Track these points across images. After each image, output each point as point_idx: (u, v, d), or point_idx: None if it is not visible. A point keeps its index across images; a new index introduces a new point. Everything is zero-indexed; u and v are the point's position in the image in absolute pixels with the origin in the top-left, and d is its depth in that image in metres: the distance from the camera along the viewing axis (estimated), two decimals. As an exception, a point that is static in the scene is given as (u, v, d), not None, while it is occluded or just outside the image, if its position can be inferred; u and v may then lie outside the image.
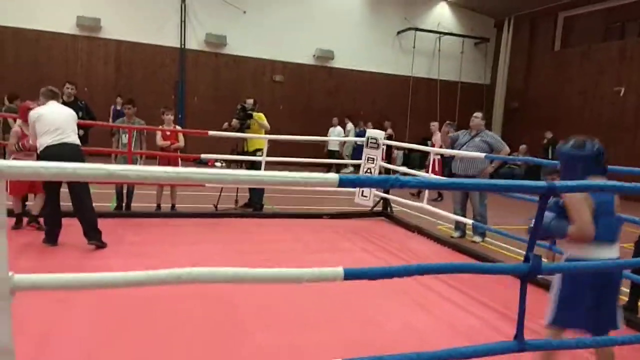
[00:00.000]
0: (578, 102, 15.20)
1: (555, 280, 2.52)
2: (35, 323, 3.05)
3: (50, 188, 4.85)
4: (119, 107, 12.15)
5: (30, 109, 5.20)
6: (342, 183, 1.61)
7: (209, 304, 3.66)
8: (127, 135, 6.62)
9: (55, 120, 4.86)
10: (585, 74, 15.06)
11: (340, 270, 1.69)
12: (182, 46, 14.82)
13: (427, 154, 10.17)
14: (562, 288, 2.45)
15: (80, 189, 4.82)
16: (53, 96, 5.10)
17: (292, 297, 3.90)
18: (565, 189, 1.85)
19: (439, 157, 9.38)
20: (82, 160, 4.84)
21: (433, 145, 9.89)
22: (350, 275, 1.69)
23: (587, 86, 14.92)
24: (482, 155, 5.80)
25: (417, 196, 9.03)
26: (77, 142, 4.99)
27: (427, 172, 8.16)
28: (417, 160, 15.17)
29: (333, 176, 1.60)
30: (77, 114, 5.54)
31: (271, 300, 3.83)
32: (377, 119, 16.19)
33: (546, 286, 4.61)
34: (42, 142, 4.79)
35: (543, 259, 1.89)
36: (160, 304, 3.60)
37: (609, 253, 2.40)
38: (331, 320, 3.57)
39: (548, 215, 2.37)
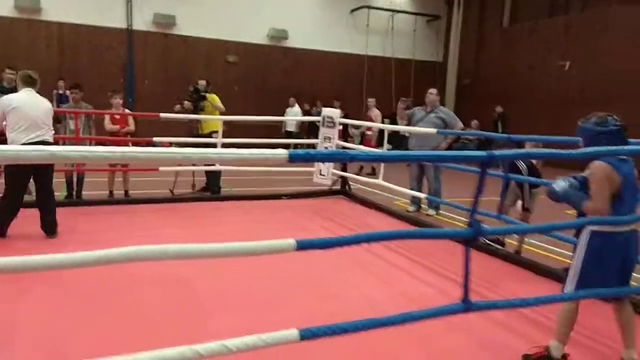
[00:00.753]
0: (526, 78, 15.73)
1: (578, 248, 2.64)
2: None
3: (17, 179, 4.57)
4: (61, 92, 11.64)
5: None
6: (292, 158, 1.62)
7: (167, 288, 3.64)
8: (74, 121, 6.35)
9: (31, 114, 4.45)
10: (532, 50, 15.56)
11: (292, 241, 1.72)
12: (129, 27, 14.27)
13: (383, 131, 10.32)
14: (586, 258, 2.58)
15: (49, 180, 4.71)
16: (31, 83, 4.65)
17: (251, 278, 3.93)
18: (503, 157, 1.94)
19: (371, 132, 10.16)
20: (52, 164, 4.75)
21: (371, 121, 10.34)
22: (302, 245, 1.72)
23: (535, 61, 15.44)
24: (434, 131, 5.94)
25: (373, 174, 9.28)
26: (52, 140, 4.78)
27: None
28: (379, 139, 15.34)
29: (282, 152, 1.61)
30: None
31: (230, 282, 3.84)
32: (334, 98, 16.22)
33: (490, 252, 4.87)
34: (15, 139, 4.41)
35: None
36: (118, 290, 3.55)
37: (626, 225, 2.55)
38: (291, 297, 3.62)
39: (568, 184, 2.56)
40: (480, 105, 16.42)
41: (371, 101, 11.15)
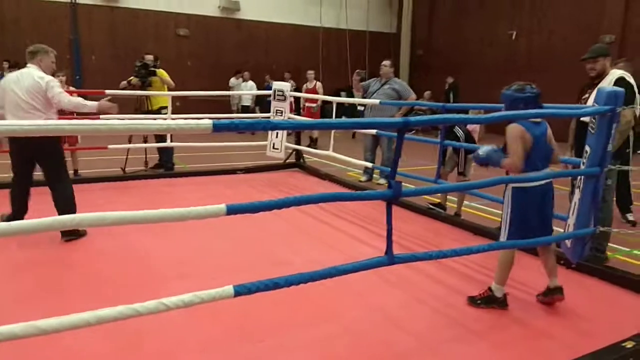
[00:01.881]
0: (476, 48, 16.13)
1: (505, 205, 3.06)
2: None
3: (13, 160, 4.19)
4: (6, 74, 11.17)
5: None
6: (217, 127, 1.74)
7: (122, 262, 3.73)
8: None
9: (10, 95, 3.97)
10: (482, 20, 15.92)
11: (222, 206, 1.86)
12: (73, 1, 13.66)
13: (341, 105, 10.53)
14: (513, 211, 2.99)
15: (52, 166, 4.20)
16: (29, 57, 4.14)
17: (203, 249, 4.07)
18: (417, 123, 2.12)
19: (314, 104, 10.56)
20: (54, 150, 4.16)
21: (314, 93, 10.61)
22: (232, 210, 1.86)
23: (484, 32, 15.83)
24: (377, 102, 6.13)
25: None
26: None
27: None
28: (329, 112, 15.47)
29: (207, 122, 1.73)
30: None
31: (183, 253, 3.97)
32: (290, 71, 16.17)
33: (432, 215, 5.17)
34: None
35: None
36: (73, 263, 3.62)
37: (542, 180, 2.92)
38: (241, 265, 3.77)
39: (491, 148, 2.95)
40: (433, 75, 16.78)
41: (311, 73, 11.35)
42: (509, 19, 15.07)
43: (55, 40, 13.60)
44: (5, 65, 11.47)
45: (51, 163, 4.15)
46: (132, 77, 7.24)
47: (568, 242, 3.28)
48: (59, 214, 3.75)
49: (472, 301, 3.14)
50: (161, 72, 7.27)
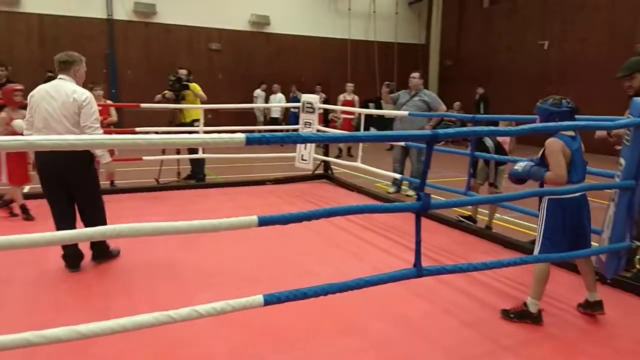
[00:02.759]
0: (506, 58, 15.93)
1: (540, 217, 3.05)
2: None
3: (45, 191, 3.68)
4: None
5: (16, 90, 4.60)
6: (250, 141, 1.80)
7: (151, 271, 3.84)
8: None
9: (45, 109, 3.48)
10: (512, 30, 15.74)
11: (254, 218, 1.91)
12: (110, 17, 14.21)
13: (369, 116, 10.64)
14: (547, 222, 2.99)
15: (85, 196, 3.75)
16: (62, 68, 3.65)
17: (232, 259, 4.15)
18: (446, 136, 2.13)
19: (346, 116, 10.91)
20: (86, 172, 3.71)
21: (352, 105, 11.18)
22: (263, 222, 1.91)
23: (514, 42, 15.63)
24: (405, 113, 6.13)
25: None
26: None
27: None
28: (358, 123, 15.53)
29: (240, 136, 1.79)
30: None
31: (213, 264, 4.05)
32: (318, 84, 16.31)
33: (462, 228, 5.12)
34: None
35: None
36: (107, 274, 3.74)
37: (580, 191, 2.95)
38: (270, 275, 3.82)
39: (528, 163, 2.98)
40: (463, 86, 16.64)
41: (350, 86, 11.77)
42: (540, 29, 14.84)
43: (93, 55, 14.15)
44: (51, 76, 11.92)
45: (86, 186, 3.71)
46: (166, 91, 7.47)
47: (602, 257, 3.20)
48: (93, 247, 3.81)
49: (506, 315, 3.09)
50: (194, 86, 7.47)
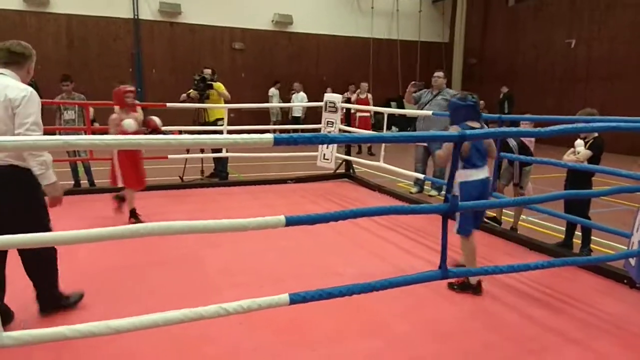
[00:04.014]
0: (532, 56, 15.66)
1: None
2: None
3: None
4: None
5: (127, 92, 4.57)
6: (277, 142, 1.82)
7: (179, 268, 3.90)
8: (68, 112, 6.59)
9: None
10: (538, 28, 15.46)
11: (282, 218, 1.93)
12: (136, 17, 14.46)
13: (391, 115, 10.66)
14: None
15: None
16: (8, 62, 2.84)
17: (257, 258, 4.19)
18: (473, 137, 2.12)
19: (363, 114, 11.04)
20: (23, 201, 2.71)
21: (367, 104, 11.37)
22: (291, 222, 1.93)
23: (541, 40, 15.35)
24: (429, 112, 6.08)
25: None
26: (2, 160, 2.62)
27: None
28: (380, 122, 15.49)
29: (268, 136, 1.81)
30: None
31: (238, 262, 4.10)
32: (341, 82, 16.29)
33: (487, 229, 5.06)
34: None
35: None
36: (134, 269, 3.82)
37: (482, 174, 3.45)
38: (294, 275, 3.84)
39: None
40: (486, 85, 16.41)
41: (365, 85, 12.13)
42: (567, 27, 14.54)
43: (119, 54, 14.49)
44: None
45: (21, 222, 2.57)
46: (191, 90, 7.57)
47: (632, 261, 3.13)
48: (36, 284, 2.88)
49: (451, 287, 3.47)
50: (218, 85, 7.56)
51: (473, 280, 3.39)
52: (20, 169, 2.63)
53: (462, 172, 3.34)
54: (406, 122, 14.29)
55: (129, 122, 4.47)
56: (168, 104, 6.85)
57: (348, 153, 8.02)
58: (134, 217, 5.13)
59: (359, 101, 11.46)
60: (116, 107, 4.94)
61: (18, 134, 2.51)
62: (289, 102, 14.24)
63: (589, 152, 4.10)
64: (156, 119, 4.58)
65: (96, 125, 6.89)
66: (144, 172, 5.13)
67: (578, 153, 4.14)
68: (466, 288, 3.43)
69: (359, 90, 12.01)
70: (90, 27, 14.11)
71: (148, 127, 4.82)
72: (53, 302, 2.93)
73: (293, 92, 14.61)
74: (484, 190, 3.49)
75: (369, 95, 11.94)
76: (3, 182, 2.60)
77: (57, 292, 2.95)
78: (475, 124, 3.38)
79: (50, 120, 7.23)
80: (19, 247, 2.37)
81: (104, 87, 11.81)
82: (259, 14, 15.71)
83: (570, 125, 2.35)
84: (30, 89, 2.69)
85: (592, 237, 4.47)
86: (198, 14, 15.01)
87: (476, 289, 3.42)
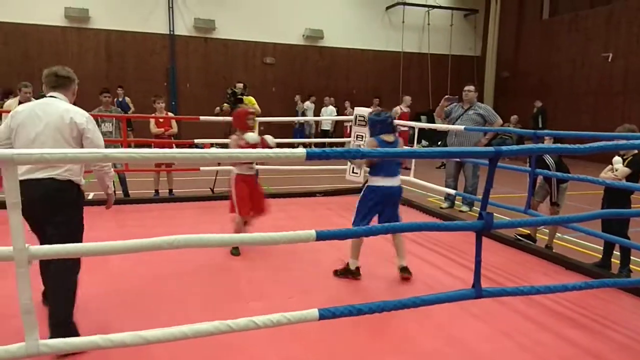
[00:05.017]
0: (567, 70, 15.34)
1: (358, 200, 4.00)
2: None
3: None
4: (121, 99, 12.45)
5: (249, 114, 4.57)
6: (310, 156, 1.83)
7: (208, 279, 3.94)
8: (105, 124, 6.78)
9: (31, 132, 2.74)
10: (573, 42, 15.16)
11: (312, 232, 1.94)
12: (171, 32, 14.89)
13: (421, 129, 10.63)
14: (360, 201, 3.98)
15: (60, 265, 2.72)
16: (56, 86, 2.95)
17: (285, 269, 4.20)
18: (509, 153, 2.08)
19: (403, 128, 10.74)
20: (70, 208, 2.86)
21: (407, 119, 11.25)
22: (321, 236, 1.93)
23: (576, 54, 15.04)
24: (461, 127, 6.01)
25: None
26: (62, 175, 2.76)
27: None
28: (412, 135, 15.39)
29: (301, 150, 1.82)
30: None
31: (267, 273, 4.12)
32: (370, 97, 16.30)
33: (521, 247, 4.94)
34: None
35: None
36: (166, 278, 3.88)
37: (389, 182, 3.87)
38: (321, 287, 3.84)
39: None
40: (519, 99, 16.15)
41: (408, 98, 11.99)
42: (603, 40, 14.20)
43: (155, 69, 14.92)
44: (120, 91, 12.61)
45: (65, 225, 2.80)
46: (224, 104, 7.72)
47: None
48: (53, 309, 2.74)
49: (335, 274, 3.99)
50: (249, 99, 7.68)
51: (353, 265, 3.95)
52: (75, 184, 2.85)
53: (369, 177, 3.92)
54: (437, 137, 14.15)
55: (252, 135, 4.62)
56: (201, 117, 7.00)
57: (377, 167, 7.97)
58: None
59: (402, 115, 11.23)
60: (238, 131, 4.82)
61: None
62: (318, 115, 14.34)
63: (627, 170, 3.97)
64: (269, 139, 4.60)
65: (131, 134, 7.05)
66: (261, 200, 4.98)
67: (616, 170, 4.02)
68: (347, 273, 3.95)
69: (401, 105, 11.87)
70: (128, 42, 14.60)
71: (262, 146, 4.67)
72: (65, 329, 2.65)
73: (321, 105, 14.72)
74: (387, 198, 3.91)
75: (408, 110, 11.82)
76: (61, 195, 2.79)
77: (71, 320, 2.78)
78: (390, 137, 3.85)
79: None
80: (60, 257, 2.24)
81: (140, 100, 12.20)
82: (290, 29, 15.95)
83: (609, 143, 2.28)
84: (86, 113, 2.93)
85: (633, 258, 4.30)
86: (231, 30, 15.35)
87: (354, 273, 3.94)
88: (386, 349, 2.90)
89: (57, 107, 2.81)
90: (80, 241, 2.69)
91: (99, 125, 6.84)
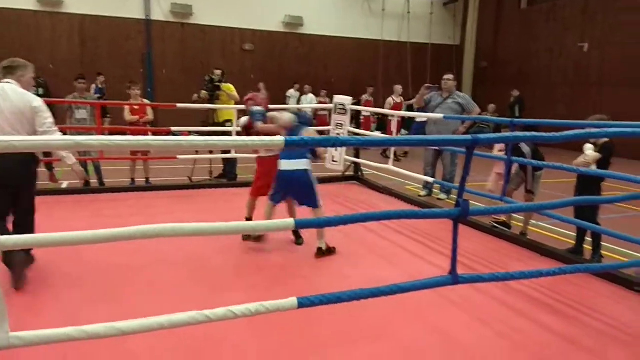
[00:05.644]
0: (545, 60, 15.55)
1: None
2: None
3: None
4: (101, 86, 12.28)
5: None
6: (288, 144, 1.81)
7: (187, 269, 3.90)
8: (80, 111, 6.61)
9: None
10: (551, 32, 15.35)
11: (291, 221, 1.92)
12: (148, 17, 14.55)
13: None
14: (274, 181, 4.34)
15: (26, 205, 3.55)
16: (8, 72, 3.54)
17: (263, 260, 4.17)
18: (486, 141, 2.09)
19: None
20: (27, 178, 3.53)
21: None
22: (300, 224, 1.91)
23: (553, 43, 15.24)
24: (440, 116, 6.04)
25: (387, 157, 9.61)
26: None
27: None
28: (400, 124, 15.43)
29: (279, 138, 1.80)
30: (37, 91, 5.02)
31: (245, 264, 4.09)
32: (349, 85, 16.26)
33: (496, 234, 5.02)
34: None
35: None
36: (140, 268, 3.83)
37: (293, 166, 4.19)
38: (301, 277, 3.83)
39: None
40: (498, 88, 16.32)
41: (398, 88, 11.67)
42: (580, 30, 14.42)
43: (130, 55, 14.59)
44: (101, 78, 12.43)
45: (31, 192, 3.57)
46: (202, 91, 7.60)
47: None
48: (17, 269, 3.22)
49: (246, 238, 4.41)
50: (228, 87, 7.57)
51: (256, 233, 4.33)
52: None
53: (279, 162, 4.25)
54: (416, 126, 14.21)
55: (243, 120, 5.05)
56: (178, 105, 6.88)
57: (357, 156, 7.99)
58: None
59: (395, 106, 11.12)
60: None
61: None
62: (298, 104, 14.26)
63: (597, 155, 4.04)
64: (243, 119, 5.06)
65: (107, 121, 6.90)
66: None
67: (587, 156, 4.09)
68: (247, 238, 4.39)
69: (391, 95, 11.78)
70: (103, 27, 14.22)
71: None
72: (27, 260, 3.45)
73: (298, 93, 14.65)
74: (289, 181, 4.23)
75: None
76: (25, 160, 3.35)
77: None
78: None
79: (62, 119, 7.31)
80: (32, 247, 3.05)
81: (115, 86, 11.92)
82: (269, 16, 15.75)
83: (582, 131, 2.32)
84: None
85: (604, 244, 4.41)
86: (209, 15, 15.07)
87: (258, 238, 4.41)
88: (365, 336, 2.92)
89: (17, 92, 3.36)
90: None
91: (73, 112, 6.68)
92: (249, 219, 4.78)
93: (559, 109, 14.45)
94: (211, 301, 3.16)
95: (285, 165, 4.20)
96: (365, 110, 10.55)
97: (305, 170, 4.25)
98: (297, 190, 4.31)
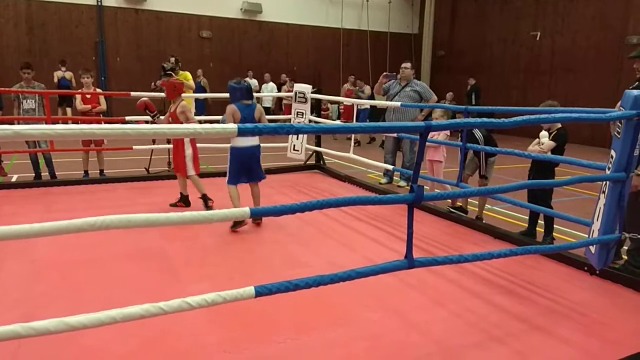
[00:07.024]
0: (499, 49, 15.96)
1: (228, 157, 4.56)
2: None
3: None
4: (68, 78, 12.18)
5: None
6: (241, 131, 1.78)
7: (143, 262, 3.81)
8: (27, 101, 6.36)
9: None
10: (505, 21, 15.74)
11: (247, 209, 1.90)
12: (99, 3, 13.98)
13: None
14: (230, 162, 4.58)
15: None
16: None
17: (223, 250, 4.13)
18: (439, 127, 2.13)
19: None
20: None
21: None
22: (255, 213, 1.90)
23: (507, 33, 15.65)
24: (398, 104, 6.12)
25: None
26: None
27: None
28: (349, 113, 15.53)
29: (232, 126, 1.77)
30: None
31: (204, 254, 4.04)
32: (311, 73, 16.22)
33: (453, 218, 5.15)
34: None
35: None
36: (96, 262, 3.71)
37: (248, 142, 4.49)
38: (261, 267, 3.82)
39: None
40: (455, 76, 16.67)
41: (352, 77, 12.49)
42: (532, 20, 14.86)
43: (82, 42, 14.01)
44: (63, 69, 12.22)
45: None
46: (158, 80, 7.39)
47: (592, 248, 3.23)
48: None
49: (232, 227, 4.55)
50: (185, 75, 7.39)
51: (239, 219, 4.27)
52: None
53: (232, 139, 4.37)
54: (377, 114, 14.36)
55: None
56: (132, 93, 6.66)
57: (318, 144, 7.99)
58: (207, 200, 5.34)
59: (348, 92, 11.97)
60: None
61: None
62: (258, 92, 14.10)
63: (552, 143, 4.21)
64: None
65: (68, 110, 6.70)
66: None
67: (542, 144, 4.25)
68: (236, 225, 4.53)
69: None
70: (51, 13, 13.58)
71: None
72: None
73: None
74: (249, 158, 4.53)
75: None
76: None
77: None
78: (248, 102, 4.51)
79: (9, 109, 6.96)
80: None
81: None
82: (227, 2, 15.45)
83: (533, 117, 2.39)
84: None
85: (556, 226, 4.60)
86: (164, 1, 14.64)
87: (239, 223, 4.53)
88: (325, 322, 2.94)
89: None
90: None
91: (20, 102, 6.37)
92: (204, 195, 5.31)
93: (514, 96, 14.91)
94: (170, 295, 3.11)
95: (245, 141, 4.44)
96: (326, 100, 10.55)
97: (258, 146, 4.61)
98: (256, 163, 4.63)
